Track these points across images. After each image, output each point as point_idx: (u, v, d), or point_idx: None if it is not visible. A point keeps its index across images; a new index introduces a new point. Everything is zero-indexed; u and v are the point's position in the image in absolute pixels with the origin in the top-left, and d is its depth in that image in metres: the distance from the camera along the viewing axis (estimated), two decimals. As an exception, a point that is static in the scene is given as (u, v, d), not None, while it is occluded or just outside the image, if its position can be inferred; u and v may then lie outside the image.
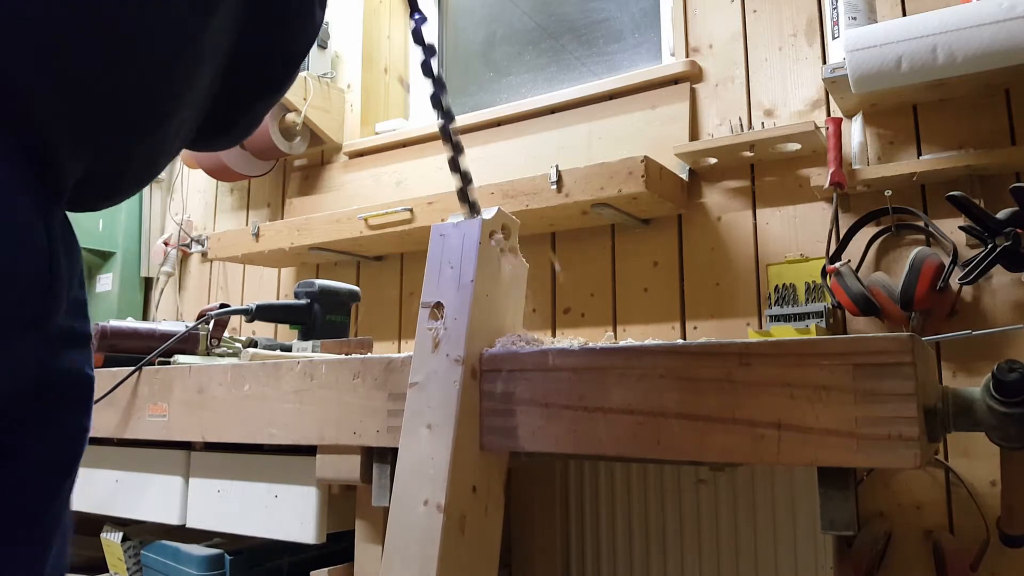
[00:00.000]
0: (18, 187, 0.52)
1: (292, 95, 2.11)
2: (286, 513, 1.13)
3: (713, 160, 1.60)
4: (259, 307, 1.54)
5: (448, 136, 0.89)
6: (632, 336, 1.66)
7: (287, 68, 0.75)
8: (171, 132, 0.63)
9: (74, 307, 0.61)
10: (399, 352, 1.96)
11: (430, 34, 1.99)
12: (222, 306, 1.46)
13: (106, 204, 0.65)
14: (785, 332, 1.42)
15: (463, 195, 0.90)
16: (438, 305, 0.85)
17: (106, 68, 0.56)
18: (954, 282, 1.32)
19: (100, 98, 0.56)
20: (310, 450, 1.07)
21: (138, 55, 0.57)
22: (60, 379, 0.60)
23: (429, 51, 0.88)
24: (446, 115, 0.89)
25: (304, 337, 1.58)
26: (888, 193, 1.41)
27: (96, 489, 1.39)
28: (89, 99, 0.56)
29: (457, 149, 0.89)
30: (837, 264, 1.39)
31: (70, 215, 0.64)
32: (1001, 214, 1.18)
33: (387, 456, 0.95)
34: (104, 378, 1.30)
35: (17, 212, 0.52)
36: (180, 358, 1.32)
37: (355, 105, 2.25)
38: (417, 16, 0.86)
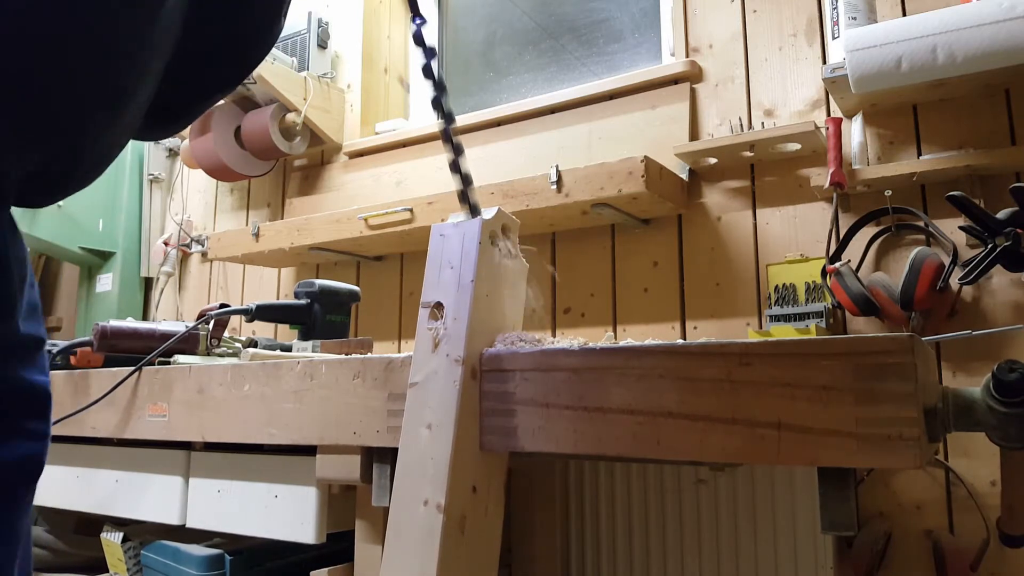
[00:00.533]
0: None
1: (292, 95, 2.11)
2: (286, 513, 1.13)
3: (713, 160, 1.60)
4: (259, 307, 1.54)
5: (449, 138, 0.89)
6: (632, 336, 1.66)
7: (238, 70, 0.74)
8: (122, 126, 0.62)
9: (28, 311, 0.60)
10: (399, 352, 1.96)
11: (430, 37, 1.99)
12: (222, 306, 1.46)
13: (55, 200, 0.64)
14: (785, 332, 1.42)
15: (464, 197, 0.89)
16: (438, 305, 0.85)
17: (51, 71, 0.54)
18: (954, 282, 1.32)
19: (46, 100, 0.55)
20: (310, 450, 1.07)
21: (88, 53, 0.55)
22: (18, 389, 0.59)
23: (430, 54, 0.88)
24: (447, 118, 0.89)
25: (304, 337, 1.58)
26: (888, 193, 1.41)
27: (96, 489, 1.39)
28: (33, 102, 0.54)
29: (458, 151, 0.89)
30: (837, 264, 1.39)
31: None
32: (1001, 214, 1.18)
33: (387, 456, 0.95)
34: (104, 378, 1.30)
35: None
36: (180, 358, 1.32)
37: (355, 105, 2.25)
38: (418, 20, 0.86)
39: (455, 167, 0.89)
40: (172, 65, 0.66)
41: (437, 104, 0.89)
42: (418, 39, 0.87)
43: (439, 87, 0.88)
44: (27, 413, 0.59)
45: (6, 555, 0.56)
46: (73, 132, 0.58)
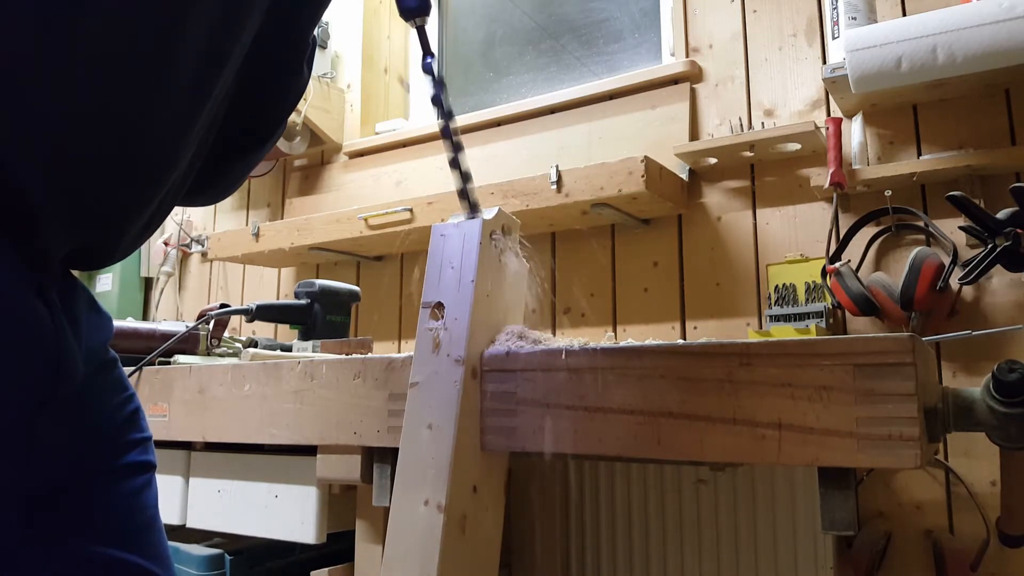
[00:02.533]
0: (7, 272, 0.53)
1: (292, 95, 2.10)
2: (286, 513, 1.13)
3: (713, 160, 1.60)
4: (259, 307, 1.54)
5: (449, 135, 0.88)
6: (632, 336, 1.66)
7: (269, 131, 0.76)
8: (161, 205, 0.65)
9: (127, 418, 0.65)
10: (399, 352, 1.96)
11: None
12: (222, 306, 1.46)
13: (98, 268, 0.67)
14: (785, 332, 1.42)
15: (464, 194, 0.89)
16: (439, 305, 0.85)
17: (105, 165, 0.56)
18: (954, 282, 1.32)
19: (96, 193, 0.57)
20: (310, 450, 1.07)
21: (140, 151, 0.58)
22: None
23: (441, 95, 0.88)
24: (447, 115, 0.88)
25: (304, 337, 1.58)
26: (888, 193, 1.40)
27: (96, 489, 1.39)
28: (85, 194, 0.57)
29: (457, 148, 0.89)
30: (837, 264, 1.39)
31: None
32: (1001, 214, 1.18)
33: (387, 456, 0.95)
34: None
35: (12, 296, 0.52)
36: (180, 358, 1.32)
37: (355, 105, 2.25)
38: (428, 58, 0.86)
39: (455, 164, 0.89)
40: (214, 138, 0.68)
41: (437, 102, 0.88)
42: (436, 100, 0.87)
43: (439, 84, 0.88)
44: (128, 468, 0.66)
45: None
46: (109, 222, 0.61)
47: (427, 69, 0.86)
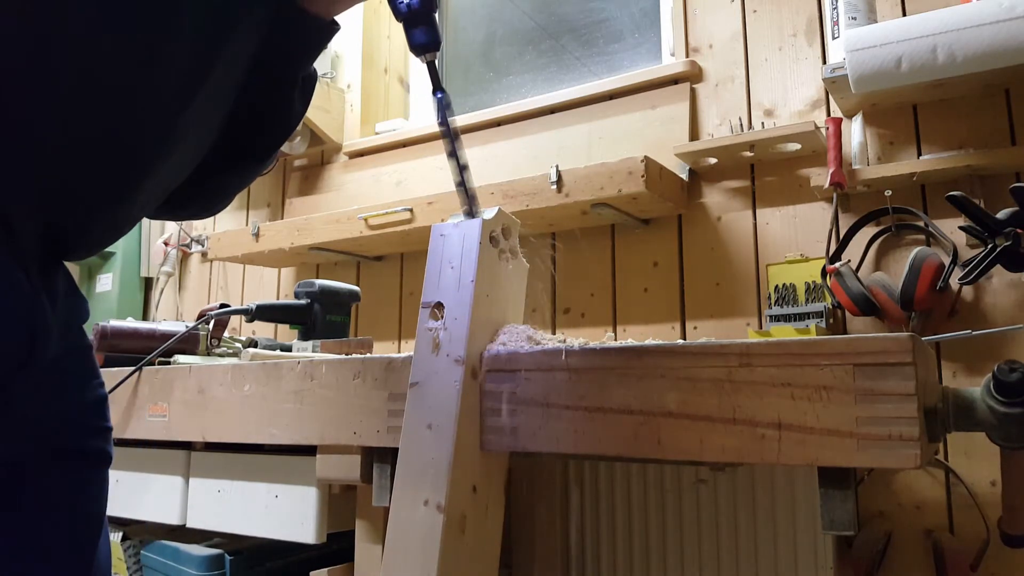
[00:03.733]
0: None
1: (292, 95, 2.10)
2: (286, 513, 1.13)
3: (713, 160, 1.60)
4: (259, 307, 1.54)
5: (449, 134, 0.88)
6: (632, 336, 1.66)
7: (265, 152, 0.77)
8: (138, 204, 0.65)
9: (92, 405, 0.67)
10: (399, 352, 1.96)
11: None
12: (222, 306, 1.46)
13: (76, 256, 0.67)
14: (785, 332, 1.42)
15: (465, 192, 0.88)
16: (438, 305, 0.85)
17: (86, 143, 0.57)
18: (954, 282, 1.32)
19: (64, 180, 0.58)
20: (310, 450, 1.07)
21: (116, 141, 0.59)
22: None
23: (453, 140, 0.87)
24: (446, 110, 0.88)
25: (304, 337, 1.58)
26: (888, 193, 1.40)
27: (96, 489, 1.39)
28: (55, 182, 0.57)
29: (455, 142, 0.89)
30: (837, 264, 1.39)
31: None
32: (1001, 214, 1.18)
33: (387, 456, 0.95)
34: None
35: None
36: (180, 358, 1.32)
37: (355, 105, 2.25)
38: (439, 94, 0.85)
39: (458, 168, 0.88)
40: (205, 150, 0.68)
41: (452, 153, 0.88)
42: (451, 147, 0.87)
43: (455, 139, 0.87)
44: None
45: None
46: (77, 207, 0.61)
47: (443, 130, 0.85)
